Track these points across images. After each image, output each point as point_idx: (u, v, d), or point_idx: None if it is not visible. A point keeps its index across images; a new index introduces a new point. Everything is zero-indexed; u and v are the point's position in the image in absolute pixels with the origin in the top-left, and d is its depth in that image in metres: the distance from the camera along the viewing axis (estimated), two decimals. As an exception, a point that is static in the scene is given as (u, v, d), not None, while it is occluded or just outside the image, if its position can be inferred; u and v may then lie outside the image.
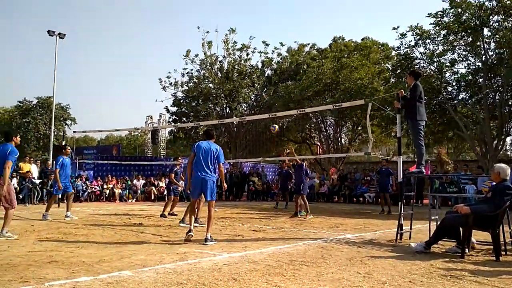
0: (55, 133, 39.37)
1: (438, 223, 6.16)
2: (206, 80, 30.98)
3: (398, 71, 20.72)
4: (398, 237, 6.87)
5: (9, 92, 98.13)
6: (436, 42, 19.16)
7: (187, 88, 31.33)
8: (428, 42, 19.33)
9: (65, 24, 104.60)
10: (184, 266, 4.66)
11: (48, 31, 27.07)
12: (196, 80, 31.06)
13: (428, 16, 18.77)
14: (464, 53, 19.01)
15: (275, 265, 4.79)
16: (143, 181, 19.95)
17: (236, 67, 30.37)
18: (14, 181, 14.94)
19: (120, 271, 4.30)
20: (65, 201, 10.98)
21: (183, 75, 31.31)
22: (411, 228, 7.27)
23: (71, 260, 4.87)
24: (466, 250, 5.60)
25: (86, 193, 17.79)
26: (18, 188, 14.99)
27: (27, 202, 14.95)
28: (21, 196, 15.02)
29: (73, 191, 11.14)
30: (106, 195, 18.42)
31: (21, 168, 16.10)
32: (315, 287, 3.84)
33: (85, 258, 5.01)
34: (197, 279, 4.03)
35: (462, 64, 19.21)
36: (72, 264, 4.67)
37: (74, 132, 19.61)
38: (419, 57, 19.83)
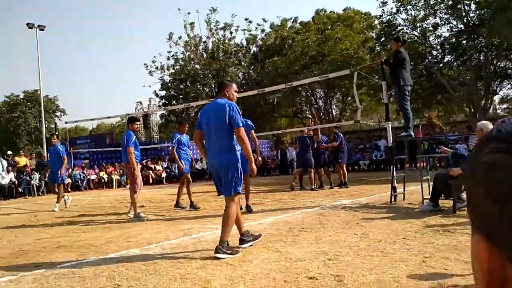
0: (46, 126, 39.08)
1: (431, 183, 6.41)
2: (192, 62, 30.80)
3: (382, 39, 20.73)
4: (392, 199, 7.13)
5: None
6: (418, 7, 19.17)
7: (173, 71, 31.14)
8: (410, 8, 19.31)
9: (46, 15, 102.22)
10: (188, 240, 4.87)
11: (27, 24, 26.52)
12: (182, 63, 30.87)
13: (407, -19, 18.75)
14: (446, 16, 19.02)
15: (275, 233, 5.01)
16: (140, 166, 20.00)
17: (221, 46, 30.19)
18: (11, 175, 15.03)
19: (128, 250, 4.50)
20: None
21: (168, 58, 31.07)
22: (404, 190, 7.52)
23: (79, 244, 5.05)
24: (458, 205, 5.86)
25: (84, 182, 17.91)
26: (16, 182, 15.09)
27: (27, 195, 15.05)
28: (20, 190, 15.14)
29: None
30: (105, 182, 18.57)
31: (17, 162, 16.18)
32: (314, 249, 4.05)
33: (92, 241, 5.19)
34: (202, 251, 4.24)
35: (445, 28, 19.32)
36: (80, 247, 4.85)
37: (66, 122, 19.65)
38: (401, 23, 19.88)
